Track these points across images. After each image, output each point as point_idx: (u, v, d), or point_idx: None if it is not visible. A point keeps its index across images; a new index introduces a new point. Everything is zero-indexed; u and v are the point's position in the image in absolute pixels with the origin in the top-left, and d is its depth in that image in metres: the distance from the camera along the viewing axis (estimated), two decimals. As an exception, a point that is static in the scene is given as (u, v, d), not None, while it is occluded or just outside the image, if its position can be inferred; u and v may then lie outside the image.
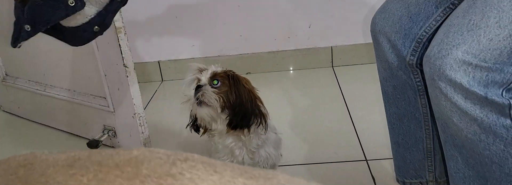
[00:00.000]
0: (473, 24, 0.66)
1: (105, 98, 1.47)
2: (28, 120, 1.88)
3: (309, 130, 1.57)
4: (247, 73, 2.12)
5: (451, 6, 0.82)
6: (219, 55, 2.11)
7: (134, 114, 1.40)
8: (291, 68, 2.11)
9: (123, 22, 1.30)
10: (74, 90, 1.59)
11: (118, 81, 1.38)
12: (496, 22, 0.65)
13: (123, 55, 1.32)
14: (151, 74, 2.17)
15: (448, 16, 0.81)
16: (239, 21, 2.03)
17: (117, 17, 1.28)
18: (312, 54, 2.06)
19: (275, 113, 1.74)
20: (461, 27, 0.68)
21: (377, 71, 1.01)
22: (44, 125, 1.81)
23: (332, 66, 2.08)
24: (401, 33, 0.87)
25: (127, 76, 1.35)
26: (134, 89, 1.38)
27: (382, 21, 0.90)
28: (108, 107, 1.46)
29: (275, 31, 2.04)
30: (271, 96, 1.91)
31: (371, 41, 0.96)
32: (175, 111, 1.86)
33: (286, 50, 2.07)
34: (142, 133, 1.43)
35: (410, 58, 0.89)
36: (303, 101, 1.82)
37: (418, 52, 0.87)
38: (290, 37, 2.04)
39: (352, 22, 1.98)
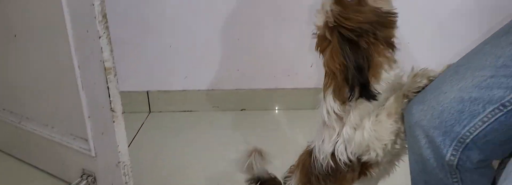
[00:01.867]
0: None
1: (86, 140, 1.32)
2: (0, 150, 1.71)
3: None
4: (241, 110, 2.00)
5: (501, 107, 0.73)
6: (213, 89, 1.98)
7: (119, 163, 1.26)
8: (289, 107, 2.00)
9: (113, 63, 1.17)
10: (52, 127, 1.44)
11: (103, 125, 1.25)
12: None
13: (111, 99, 1.19)
14: (138, 105, 2.02)
15: (497, 118, 0.73)
16: (238, 55, 1.92)
17: (107, 56, 1.15)
18: (312, 94, 1.94)
19: (274, 155, 1.63)
20: None
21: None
22: (17, 158, 1.65)
23: (332, 108, 1.97)
24: (441, 129, 0.77)
25: (114, 121, 1.22)
26: (121, 135, 1.24)
27: (420, 113, 0.80)
28: (90, 151, 1.32)
29: (274, 67, 1.93)
30: (268, 135, 1.79)
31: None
32: (165, 146, 1.73)
33: (285, 88, 1.96)
34: (126, 183, 1.29)
35: (450, 158, 0.79)
36: (303, 143, 1.70)
37: (459, 153, 0.78)
38: (290, 75, 1.93)
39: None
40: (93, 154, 1.31)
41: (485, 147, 0.76)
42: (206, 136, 1.81)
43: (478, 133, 0.74)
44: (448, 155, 0.78)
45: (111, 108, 1.20)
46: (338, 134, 0.90)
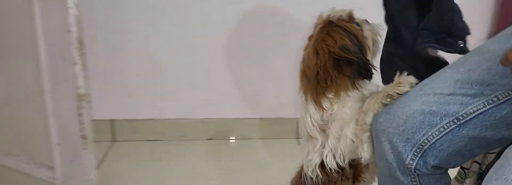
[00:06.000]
0: None
1: (53, 169, 1.28)
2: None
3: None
4: (208, 139, 2.01)
5: (455, 120, 0.85)
6: (180, 118, 1.98)
7: (87, 191, 1.23)
8: (255, 137, 2.02)
9: (88, 89, 1.17)
10: (16, 156, 1.39)
11: (73, 153, 1.22)
12: None
13: (83, 126, 1.18)
14: (102, 134, 1.98)
15: (451, 129, 0.85)
16: (206, 85, 1.94)
17: (81, 83, 1.15)
18: (278, 124, 1.99)
19: (238, 180, 1.63)
20: None
21: None
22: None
23: (297, 138, 2.01)
24: (403, 136, 0.88)
25: (85, 149, 1.20)
26: (91, 164, 1.22)
27: (387, 122, 0.91)
28: (55, 179, 1.28)
29: (241, 98, 1.96)
30: (235, 165, 1.80)
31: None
32: (129, 176, 1.70)
33: (251, 118, 1.99)
34: (93, 213, 1.26)
35: (409, 162, 0.89)
36: (272, 172, 1.73)
37: (417, 158, 0.88)
38: (256, 106, 1.97)
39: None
40: (60, 183, 1.27)
41: (440, 155, 0.87)
42: (173, 166, 1.79)
43: (435, 141, 0.86)
44: (408, 159, 0.88)
45: (82, 135, 1.18)
46: (321, 144, 0.96)
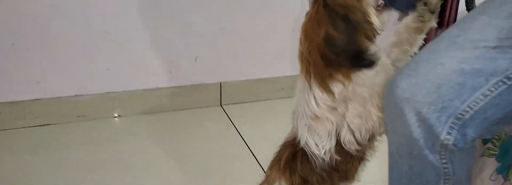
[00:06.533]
0: None
1: None
2: None
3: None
4: (116, 116, 1.68)
5: (505, 80, 0.70)
6: (77, 95, 1.61)
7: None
8: (173, 108, 1.76)
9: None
10: None
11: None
12: None
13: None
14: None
15: (500, 92, 0.70)
16: (106, 52, 1.59)
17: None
18: (198, 91, 1.75)
19: (164, 163, 1.39)
20: None
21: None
22: None
23: (221, 105, 1.80)
24: (437, 105, 0.72)
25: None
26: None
27: (413, 88, 0.73)
28: None
29: (153, 64, 1.67)
30: (152, 143, 1.54)
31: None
32: (19, 174, 1.34)
33: (167, 87, 1.71)
34: None
35: (445, 137, 0.73)
36: (196, 147, 1.53)
37: (455, 131, 0.72)
38: (172, 72, 1.69)
39: (244, 56, 1.76)
40: None
41: (482, 125, 0.73)
42: (74, 154, 1.46)
43: (479, 108, 0.72)
44: (444, 133, 0.73)
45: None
46: (336, 125, 0.84)
